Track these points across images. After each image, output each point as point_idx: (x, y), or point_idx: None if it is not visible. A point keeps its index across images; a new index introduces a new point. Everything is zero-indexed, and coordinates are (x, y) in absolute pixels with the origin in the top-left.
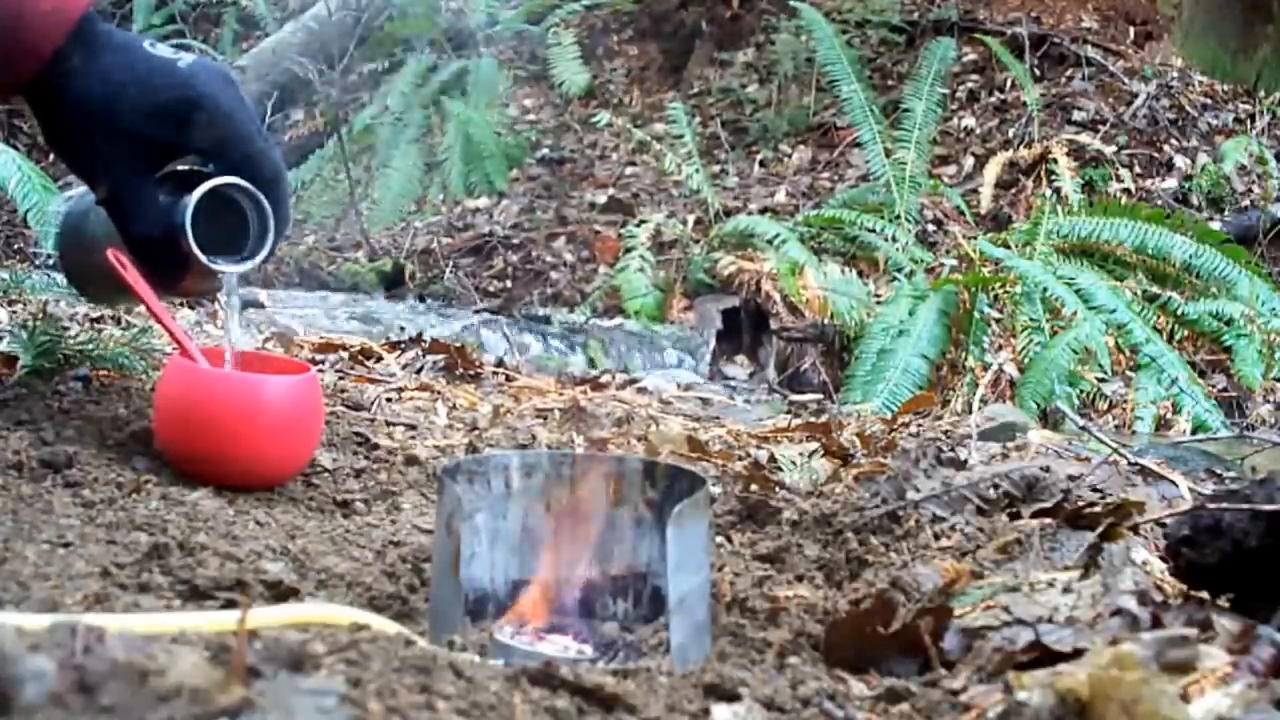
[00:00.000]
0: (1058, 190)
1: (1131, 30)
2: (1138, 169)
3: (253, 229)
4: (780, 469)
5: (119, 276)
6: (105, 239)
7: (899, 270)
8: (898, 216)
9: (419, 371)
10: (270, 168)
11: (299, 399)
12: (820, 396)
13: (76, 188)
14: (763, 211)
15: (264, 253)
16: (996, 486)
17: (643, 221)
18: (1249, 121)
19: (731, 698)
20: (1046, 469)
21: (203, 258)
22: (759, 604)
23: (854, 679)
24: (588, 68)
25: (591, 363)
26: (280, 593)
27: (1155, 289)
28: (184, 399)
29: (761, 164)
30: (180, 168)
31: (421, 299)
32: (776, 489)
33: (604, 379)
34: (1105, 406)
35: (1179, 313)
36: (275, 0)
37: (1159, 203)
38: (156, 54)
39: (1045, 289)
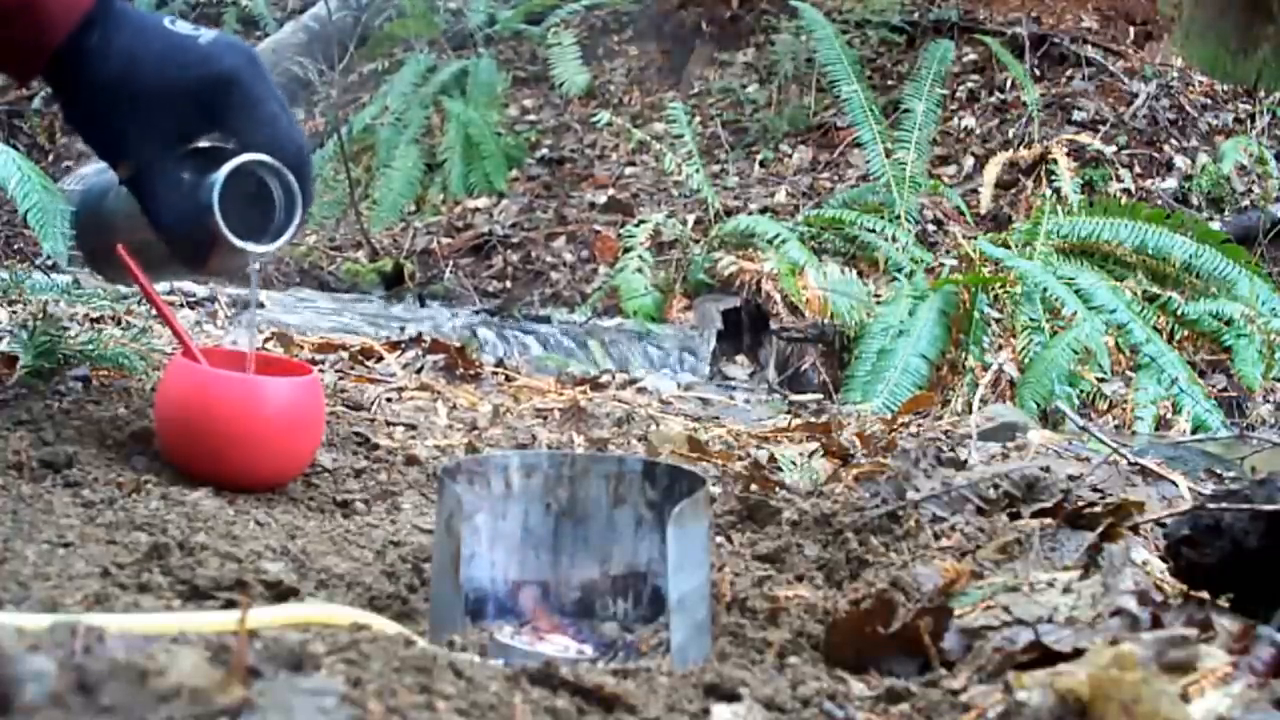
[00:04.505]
0: (1058, 190)
1: (1131, 30)
2: (1138, 169)
3: (278, 207)
4: (780, 469)
5: (130, 272)
6: (125, 219)
7: (899, 270)
8: (898, 216)
9: (419, 371)
10: (295, 145)
11: (300, 400)
12: (820, 396)
13: (85, 166)
14: (763, 211)
15: (290, 232)
16: (996, 486)
17: (642, 221)
18: (1249, 121)
19: (731, 698)
20: (1046, 469)
21: (231, 237)
22: (759, 604)
23: (854, 679)
24: (588, 68)
25: (594, 361)
26: (280, 593)
27: (1155, 289)
28: (185, 399)
29: (761, 164)
30: (203, 145)
31: (421, 299)
32: (776, 489)
33: (604, 379)
34: (1105, 406)
35: (1179, 313)
36: (275, 0)
37: (1159, 203)
38: (177, 31)
39: (1045, 289)
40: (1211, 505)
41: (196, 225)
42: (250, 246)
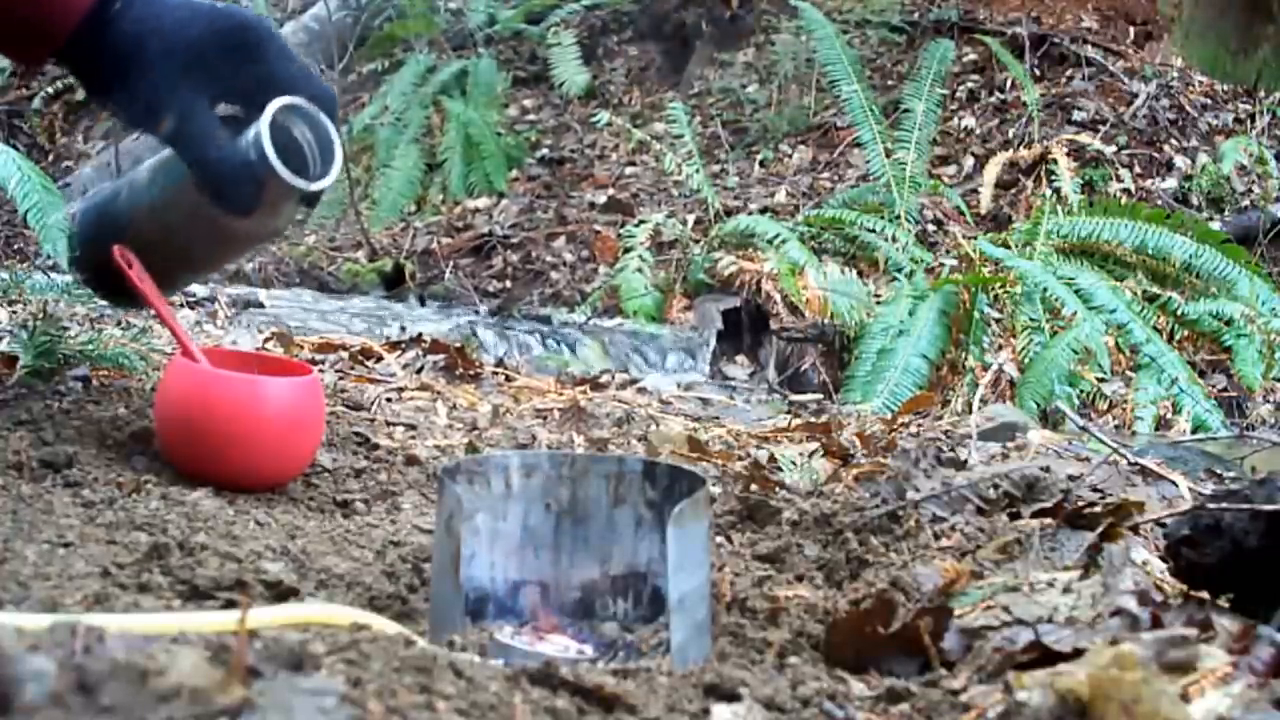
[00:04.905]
0: (1058, 190)
1: (1131, 30)
2: (1138, 169)
3: (311, 154)
4: (780, 469)
5: (127, 277)
6: (139, 211)
7: (899, 270)
8: (898, 216)
9: (419, 371)
10: (324, 89)
11: (300, 400)
12: (820, 396)
13: (75, 203)
14: (763, 211)
15: (334, 172)
16: (996, 486)
17: (642, 221)
18: (1249, 121)
19: (731, 698)
20: (1046, 469)
21: (284, 171)
22: (759, 604)
23: (854, 679)
24: (588, 68)
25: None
26: (280, 593)
27: (1155, 289)
28: (185, 399)
29: (761, 164)
30: (225, 112)
31: (421, 299)
32: (776, 489)
33: (604, 379)
34: (1105, 406)
35: (1179, 313)
36: (275, 1)
37: (1159, 203)
38: None
39: (1045, 289)
40: (1211, 505)
41: (244, 168)
42: (302, 183)
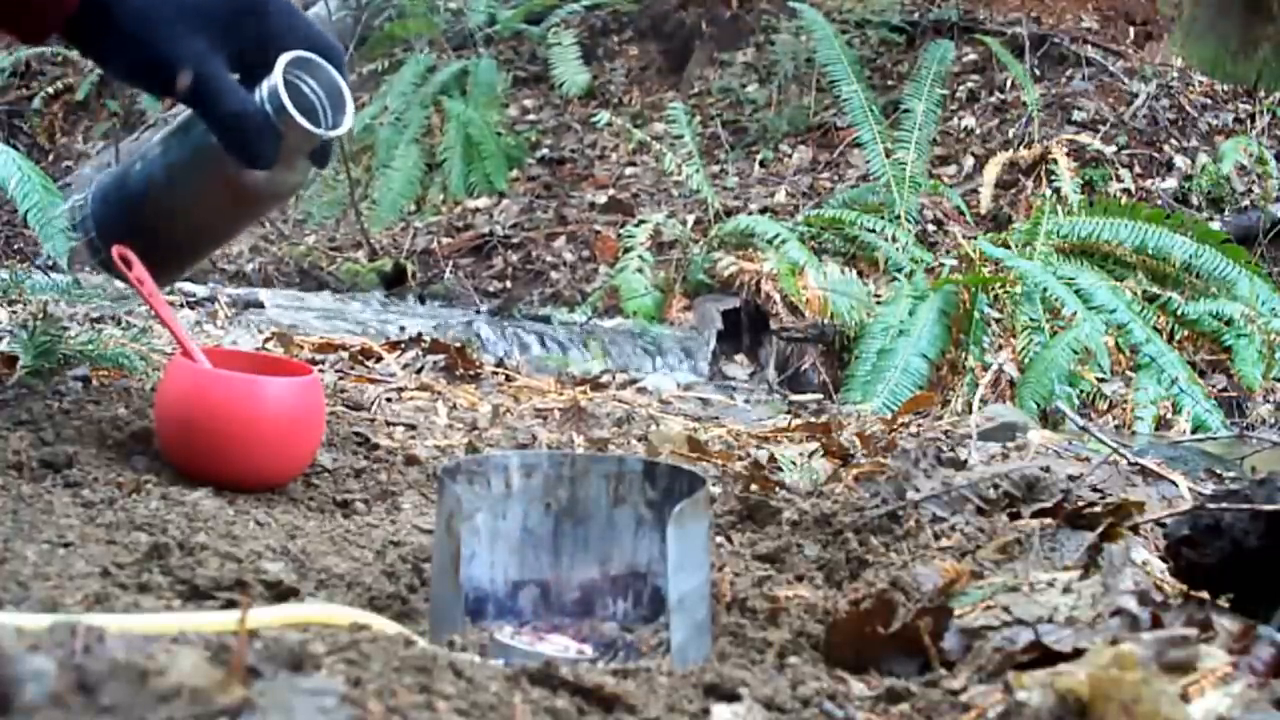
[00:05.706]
0: (1058, 190)
1: (1131, 30)
2: (1138, 169)
3: (321, 107)
4: (780, 469)
5: (127, 278)
6: (153, 186)
7: (899, 270)
8: (898, 216)
9: (419, 371)
10: (331, 43)
11: (300, 400)
12: (820, 396)
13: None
14: (763, 211)
15: (347, 120)
16: (996, 486)
17: (642, 221)
18: (1249, 121)
19: (731, 698)
20: (1046, 469)
21: (301, 120)
22: (759, 604)
23: (854, 679)
24: (588, 68)
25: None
26: (280, 593)
27: (1155, 289)
28: (185, 399)
29: (761, 164)
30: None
31: (421, 299)
32: (776, 489)
33: (604, 379)
34: (1105, 406)
35: (1179, 313)
36: None
37: (1159, 203)
38: None
39: (1045, 289)
40: (1211, 505)
41: (261, 120)
42: (319, 131)
